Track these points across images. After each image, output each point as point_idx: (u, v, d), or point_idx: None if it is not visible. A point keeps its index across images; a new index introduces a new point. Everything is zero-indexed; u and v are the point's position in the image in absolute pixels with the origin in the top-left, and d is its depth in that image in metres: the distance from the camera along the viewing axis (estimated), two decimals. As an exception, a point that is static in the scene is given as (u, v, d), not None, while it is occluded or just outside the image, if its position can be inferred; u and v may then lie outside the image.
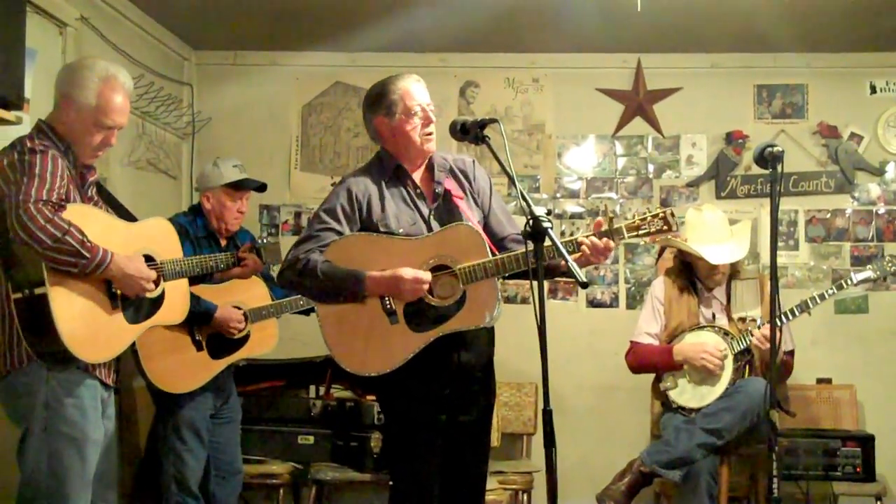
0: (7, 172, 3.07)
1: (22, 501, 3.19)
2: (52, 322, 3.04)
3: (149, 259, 3.43)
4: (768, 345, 4.35)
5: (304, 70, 6.13)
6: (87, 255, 3.05)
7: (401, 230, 3.34)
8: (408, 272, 3.19)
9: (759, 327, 4.52)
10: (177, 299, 3.60)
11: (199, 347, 4.25)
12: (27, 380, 3.17)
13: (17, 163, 3.06)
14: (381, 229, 3.33)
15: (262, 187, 4.56)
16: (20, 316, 3.10)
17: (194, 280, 4.18)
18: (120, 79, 3.30)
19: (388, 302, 3.29)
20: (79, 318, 3.13)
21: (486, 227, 3.47)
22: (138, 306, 3.37)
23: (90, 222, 3.16)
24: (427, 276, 3.22)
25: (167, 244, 3.60)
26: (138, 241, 3.42)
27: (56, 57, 4.38)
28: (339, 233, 3.31)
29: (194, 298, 4.16)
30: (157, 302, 3.47)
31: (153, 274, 3.36)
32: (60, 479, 3.15)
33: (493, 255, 3.28)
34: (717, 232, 4.74)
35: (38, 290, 3.06)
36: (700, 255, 4.63)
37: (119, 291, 3.27)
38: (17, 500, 3.20)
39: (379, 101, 3.40)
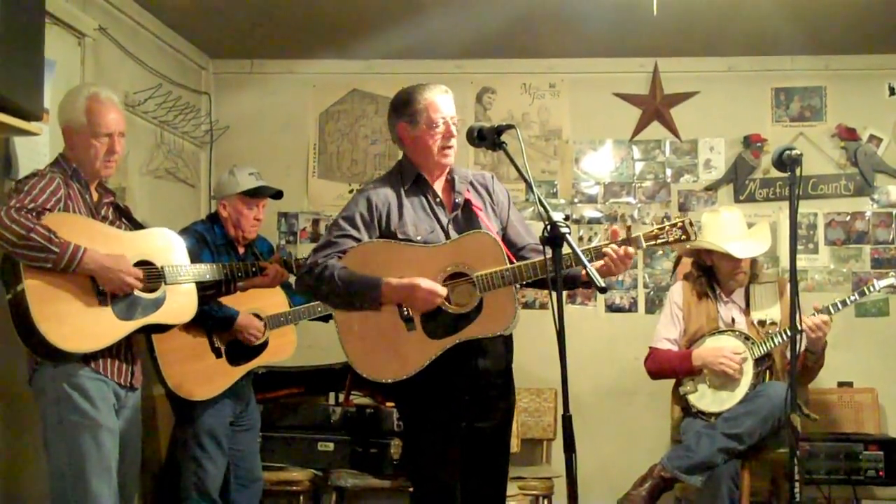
0: (10, 193, 3.38)
1: (53, 494, 3.39)
2: (30, 314, 3.21)
3: (148, 264, 3.56)
4: (818, 333, 4.35)
5: (320, 78, 6.16)
6: (56, 249, 3.22)
7: (419, 238, 3.34)
8: (424, 282, 3.20)
9: (813, 314, 4.45)
10: (182, 302, 3.70)
11: (217, 354, 4.27)
12: (40, 379, 3.40)
13: (20, 184, 3.37)
14: (400, 236, 3.34)
15: (278, 195, 4.57)
16: (11, 315, 3.29)
17: (217, 292, 4.21)
18: (102, 93, 3.59)
19: (405, 309, 3.29)
20: (58, 312, 3.28)
21: (505, 237, 3.48)
22: (132, 304, 3.49)
23: (74, 227, 3.35)
24: (443, 290, 3.23)
25: (170, 252, 3.71)
26: (138, 247, 3.56)
27: (75, 67, 4.41)
28: (358, 240, 3.32)
29: (216, 304, 4.19)
30: (158, 302, 3.59)
31: (137, 271, 3.46)
32: (80, 466, 3.35)
33: (511, 263, 3.29)
34: (736, 229, 4.72)
35: (18, 287, 3.25)
36: (725, 251, 4.60)
37: (105, 288, 3.40)
38: (50, 493, 3.40)
39: (404, 107, 3.41)
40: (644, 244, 3.29)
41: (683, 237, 3.31)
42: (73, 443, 3.34)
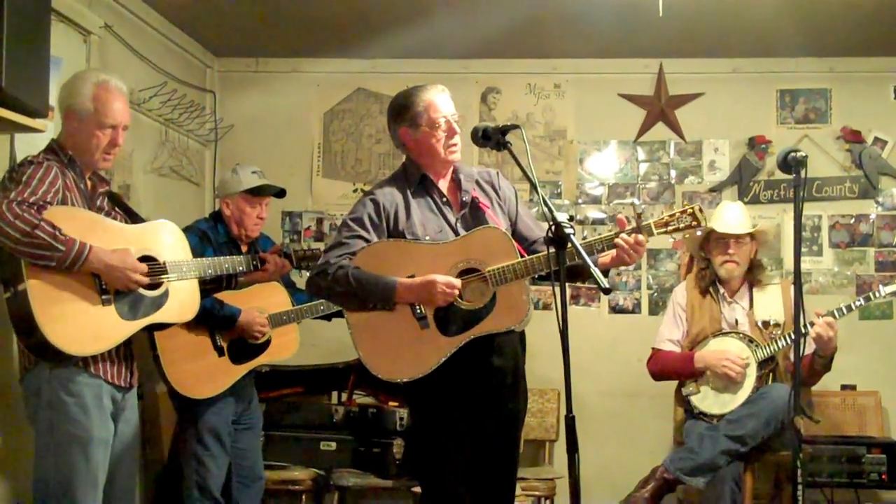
0: (5, 183, 3.20)
1: (35, 499, 3.27)
2: (33, 316, 3.07)
3: (151, 259, 3.44)
4: (829, 332, 4.33)
5: (325, 77, 6.16)
6: (62, 247, 3.08)
7: (427, 237, 3.33)
8: (439, 278, 3.19)
9: (821, 316, 4.43)
10: (184, 299, 3.58)
11: (220, 353, 4.26)
12: (34, 381, 3.26)
13: (15, 174, 3.20)
14: (408, 236, 3.33)
15: (280, 193, 4.55)
16: (10, 314, 3.16)
17: (217, 286, 4.20)
18: (112, 81, 3.42)
19: (418, 307, 3.28)
20: (63, 312, 3.15)
21: (515, 232, 3.47)
22: (135, 303, 3.37)
23: (76, 222, 3.21)
24: (457, 282, 3.22)
25: (172, 246, 3.59)
26: (140, 242, 3.44)
27: (81, 65, 4.40)
28: (368, 241, 3.31)
29: (218, 303, 4.19)
30: (160, 300, 3.47)
31: (143, 267, 3.34)
32: (67, 477, 3.22)
33: (522, 257, 3.28)
34: (732, 216, 4.71)
35: (20, 287, 3.10)
36: (710, 227, 4.62)
37: (109, 286, 3.27)
38: (33, 497, 3.28)
39: (403, 112, 3.40)
40: (655, 232, 3.27)
41: (694, 223, 3.28)
42: (63, 454, 3.22)
